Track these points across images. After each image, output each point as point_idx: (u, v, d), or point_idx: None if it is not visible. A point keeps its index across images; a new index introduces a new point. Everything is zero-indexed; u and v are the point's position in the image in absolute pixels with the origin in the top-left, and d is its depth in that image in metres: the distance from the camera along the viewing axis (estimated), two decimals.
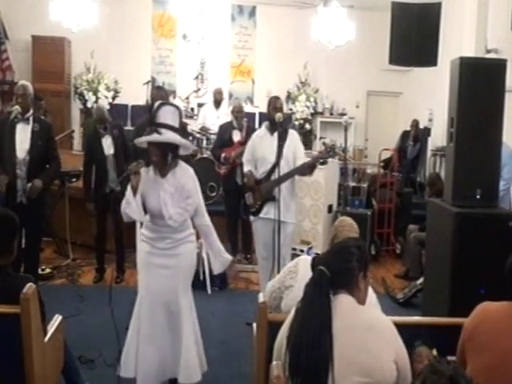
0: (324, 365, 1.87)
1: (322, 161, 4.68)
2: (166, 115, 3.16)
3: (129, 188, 3.17)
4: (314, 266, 2.05)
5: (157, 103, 3.26)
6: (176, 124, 3.19)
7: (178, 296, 3.24)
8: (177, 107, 3.28)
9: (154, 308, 3.22)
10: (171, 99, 9.19)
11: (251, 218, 4.65)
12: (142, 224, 3.43)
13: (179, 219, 3.16)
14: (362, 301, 2.06)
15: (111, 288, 3.33)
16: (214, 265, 3.44)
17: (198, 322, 3.40)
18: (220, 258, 3.39)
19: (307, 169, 4.40)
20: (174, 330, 3.23)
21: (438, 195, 6.08)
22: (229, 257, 3.41)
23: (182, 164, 3.27)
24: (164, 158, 3.16)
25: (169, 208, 3.13)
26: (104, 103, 9.67)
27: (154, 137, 3.15)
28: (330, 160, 5.76)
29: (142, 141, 3.22)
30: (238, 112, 6.37)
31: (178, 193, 3.17)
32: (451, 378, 1.50)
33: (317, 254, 2.92)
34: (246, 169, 4.68)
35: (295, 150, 4.51)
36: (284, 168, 4.43)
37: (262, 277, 4.62)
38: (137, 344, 3.21)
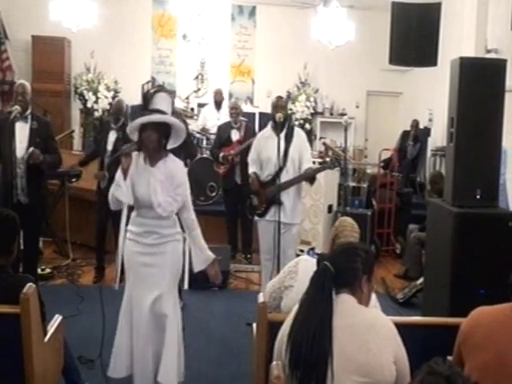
0: (323, 361, 1.88)
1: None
2: (161, 102, 3.19)
3: (119, 171, 3.15)
4: (319, 262, 2.06)
5: (151, 90, 3.28)
6: (169, 111, 3.22)
7: (163, 295, 3.18)
8: (170, 94, 3.31)
9: (144, 308, 3.16)
10: None
11: (255, 218, 4.64)
12: (127, 222, 3.39)
13: (168, 208, 3.11)
14: (364, 304, 2.07)
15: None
16: (196, 261, 3.30)
17: (181, 329, 3.33)
18: (202, 254, 3.25)
19: (307, 179, 4.40)
20: (161, 330, 3.18)
21: (438, 194, 6.09)
22: (211, 254, 3.27)
23: (171, 155, 3.25)
24: (160, 143, 3.14)
25: (158, 195, 3.09)
26: (104, 103, 9.69)
27: (155, 117, 3.13)
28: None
29: (140, 122, 3.14)
30: (232, 108, 6.40)
31: (168, 181, 3.13)
32: (448, 379, 1.48)
33: (317, 254, 2.91)
34: (250, 170, 4.64)
35: (301, 152, 4.47)
36: (290, 171, 4.40)
37: (265, 277, 4.61)
38: (128, 344, 3.17)
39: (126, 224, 3.33)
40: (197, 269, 3.31)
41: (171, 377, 3.16)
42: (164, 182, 3.12)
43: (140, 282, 3.20)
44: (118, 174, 3.16)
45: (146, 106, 3.19)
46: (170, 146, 3.26)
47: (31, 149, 4.42)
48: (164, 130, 3.14)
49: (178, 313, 3.32)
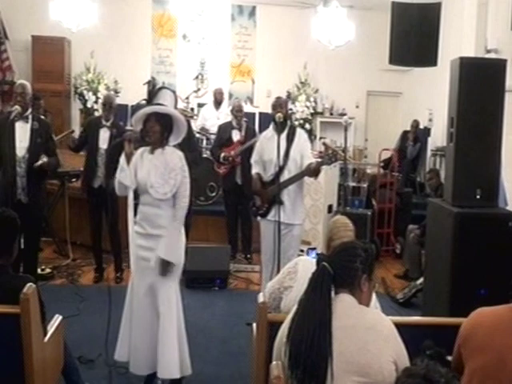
0: (323, 361, 1.87)
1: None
2: (166, 97, 3.36)
3: (123, 156, 3.31)
4: (318, 262, 2.06)
5: (157, 87, 3.42)
6: (172, 107, 3.39)
7: (156, 290, 3.28)
8: (174, 92, 3.47)
9: (141, 298, 3.29)
10: None
11: (258, 218, 4.63)
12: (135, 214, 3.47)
13: (160, 189, 3.23)
14: (365, 303, 2.06)
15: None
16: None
17: (183, 322, 3.40)
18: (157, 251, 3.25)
19: (312, 173, 4.37)
20: (156, 324, 3.28)
21: (434, 190, 6.12)
22: (163, 256, 3.23)
23: (171, 147, 3.37)
24: (162, 135, 3.29)
25: (151, 177, 3.24)
26: None
27: (158, 107, 3.30)
28: None
29: (145, 112, 3.30)
30: (237, 111, 6.36)
31: (163, 166, 3.27)
32: (424, 377, 1.55)
33: (317, 254, 2.92)
34: (253, 171, 4.59)
35: (302, 151, 4.42)
36: (292, 170, 4.37)
37: (265, 277, 4.60)
38: (129, 331, 3.30)
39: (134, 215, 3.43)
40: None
41: (171, 370, 3.22)
42: (159, 167, 3.27)
43: (137, 275, 3.33)
44: (122, 159, 3.32)
45: (150, 101, 3.32)
46: (172, 143, 3.38)
47: (43, 160, 4.48)
48: (166, 122, 3.29)
49: (175, 306, 3.34)
